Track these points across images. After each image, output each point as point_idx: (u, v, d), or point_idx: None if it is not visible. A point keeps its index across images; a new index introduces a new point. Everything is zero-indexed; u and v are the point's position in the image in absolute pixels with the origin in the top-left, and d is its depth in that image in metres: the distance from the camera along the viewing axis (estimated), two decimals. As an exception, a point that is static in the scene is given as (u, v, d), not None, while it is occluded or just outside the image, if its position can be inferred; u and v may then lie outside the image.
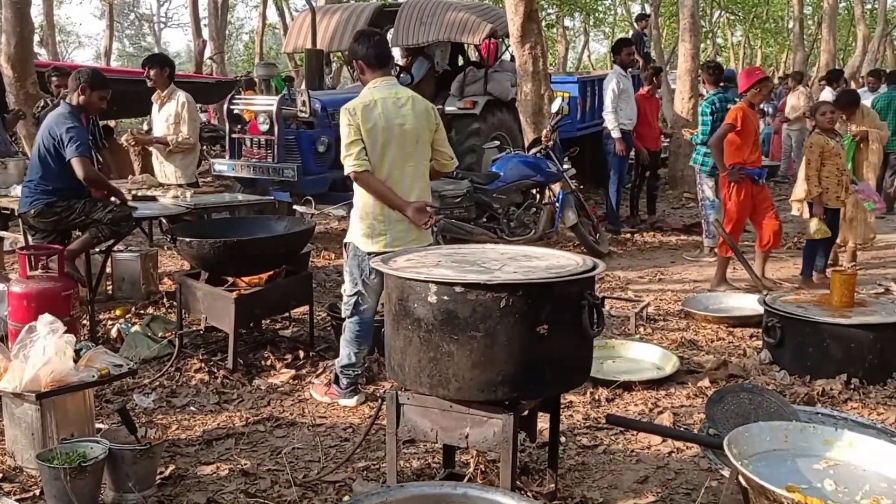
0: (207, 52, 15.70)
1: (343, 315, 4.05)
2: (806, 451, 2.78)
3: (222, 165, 7.37)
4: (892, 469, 2.62)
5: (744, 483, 2.60)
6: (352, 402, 4.03)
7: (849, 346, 4.29)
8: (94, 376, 3.27)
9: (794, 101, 13.07)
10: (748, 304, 5.62)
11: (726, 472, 2.78)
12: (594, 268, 2.67)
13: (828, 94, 11.69)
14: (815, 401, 4.03)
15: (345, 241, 4.05)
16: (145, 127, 14.18)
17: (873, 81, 10.71)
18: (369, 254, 3.84)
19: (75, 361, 3.28)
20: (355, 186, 3.90)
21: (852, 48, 27.41)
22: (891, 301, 4.90)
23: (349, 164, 3.75)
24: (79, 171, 4.45)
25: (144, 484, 3.03)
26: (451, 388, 2.57)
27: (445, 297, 2.51)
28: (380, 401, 3.15)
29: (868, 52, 24.38)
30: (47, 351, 3.17)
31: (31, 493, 3.09)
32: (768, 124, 16.04)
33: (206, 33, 16.28)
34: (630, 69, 8.87)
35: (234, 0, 28.58)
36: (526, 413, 2.81)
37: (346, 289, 4.00)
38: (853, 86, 14.80)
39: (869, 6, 28.84)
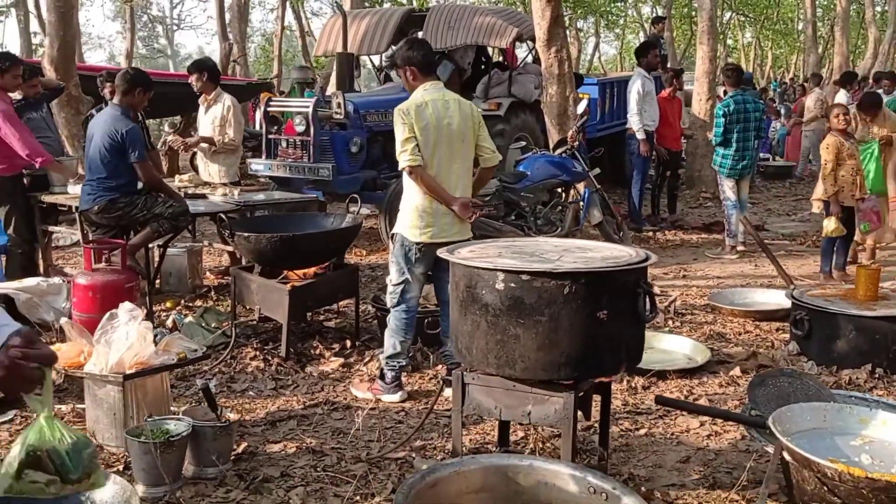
0: (231, 55, 16.00)
1: (389, 305, 4.24)
2: (843, 430, 3.00)
3: (259, 165, 7.60)
4: (924, 444, 2.83)
5: (787, 457, 2.82)
6: (395, 398, 4.15)
7: (874, 337, 4.49)
8: (173, 359, 3.51)
9: (809, 103, 13.23)
10: (773, 298, 5.83)
11: (770, 449, 2.99)
12: (647, 259, 2.89)
13: (842, 97, 11.86)
14: (843, 389, 4.23)
15: (392, 231, 4.27)
16: (167, 129, 14.49)
17: (889, 84, 10.87)
18: (416, 244, 4.06)
19: (154, 346, 3.52)
20: (405, 181, 4.13)
21: (862, 51, 27.51)
22: (913, 295, 5.10)
23: (404, 159, 3.98)
24: (142, 174, 4.71)
25: (223, 459, 3.26)
26: (517, 369, 2.79)
27: (513, 285, 2.73)
28: (441, 383, 3.37)
29: (879, 54, 24.50)
30: (130, 336, 3.41)
31: (114, 469, 3.31)
32: (783, 125, 16.23)
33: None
34: (653, 71, 9.09)
35: (252, 3, 28.83)
36: (582, 393, 3.02)
37: (392, 278, 4.20)
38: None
39: (879, 8, 28.93)
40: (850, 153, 6.49)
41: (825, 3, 32.65)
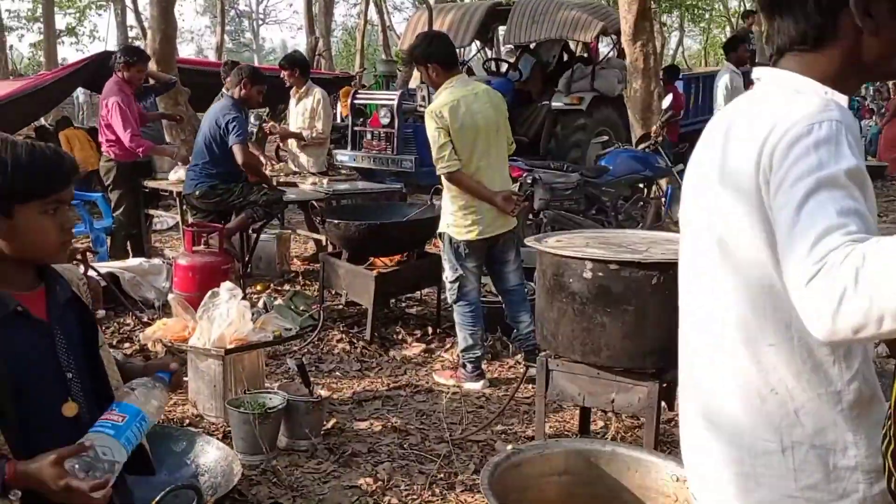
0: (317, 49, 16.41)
1: (450, 301, 4.31)
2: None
3: (344, 156, 7.84)
4: None
5: None
6: (478, 385, 4.23)
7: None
8: (269, 337, 3.71)
9: None
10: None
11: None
12: (736, 252, 2.90)
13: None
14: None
15: (438, 231, 4.32)
16: (253, 120, 14.96)
17: None
18: (464, 241, 4.13)
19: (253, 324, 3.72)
20: (445, 183, 4.16)
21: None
22: None
23: (442, 166, 4.01)
24: (239, 156, 4.94)
25: (314, 432, 3.43)
26: (602, 356, 2.86)
27: (600, 274, 2.80)
28: (525, 369, 3.45)
29: None
30: (230, 313, 3.62)
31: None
32: (875, 124, 15.62)
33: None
34: (742, 66, 8.90)
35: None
36: (667, 383, 3.06)
37: (448, 276, 4.25)
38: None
39: None
40: None
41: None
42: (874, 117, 16.27)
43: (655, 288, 2.73)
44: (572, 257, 2.87)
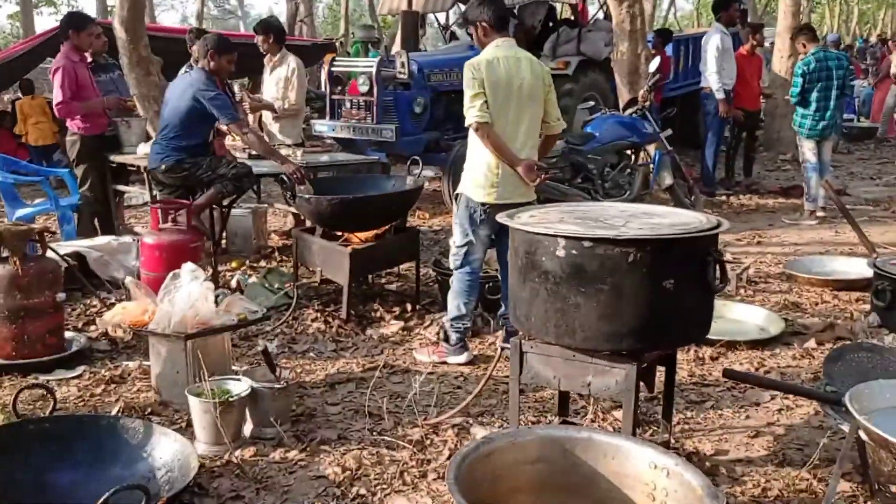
0: (298, 15, 16.01)
1: (452, 266, 4.18)
2: (928, 410, 2.81)
3: (323, 126, 7.60)
4: None
5: (864, 437, 2.66)
6: (461, 358, 4.13)
7: (964, 310, 4.22)
8: (234, 320, 3.55)
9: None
10: (854, 267, 5.54)
11: (845, 428, 2.83)
12: (718, 225, 2.73)
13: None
14: (928, 365, 3.99)
15: (456, 191, 4.17)
16: (237, 90, 14.63)
17: None
18: (482, 205, 3.97)
19: (216, 306, 3.55)
20: (471, 139, 4.01)
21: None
22: None
23: (472, 115, 3.86)
24: (239, 134, 4.79)
25: (281, 420, 3.28)
26: (577, 338, 2.70)
27: (574, 252, 2.63)
28: (499, 350, 3.30)
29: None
30: (192, 296, 3.45)
31: (177, 426, 3.37)
32: (869, 84, 15.38)
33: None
34: (732, 27, 8.66)
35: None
36: (645, 365, 2.91)
37: (457, 240, 4.12)
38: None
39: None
40: None
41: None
42: (868, 77, 16.01)
43: (632, 266, 2.57)
44: (544, 234, 2.70)
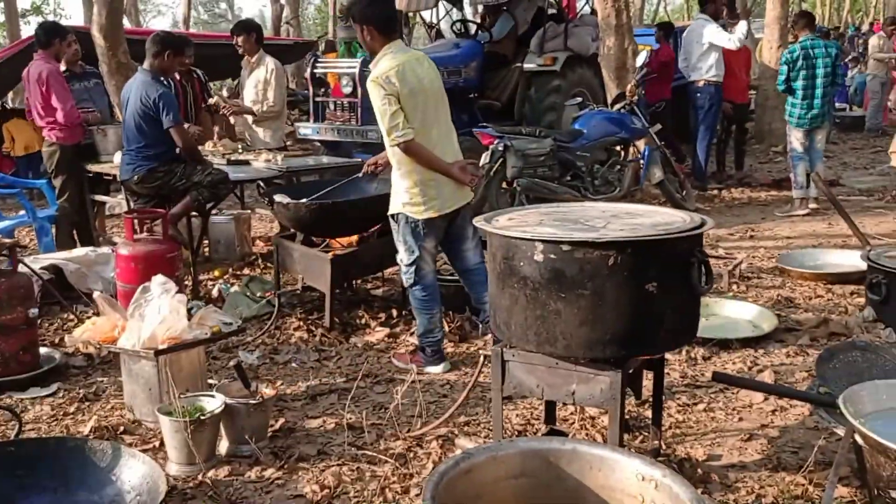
0: (283, 16, 15.87)
1: (405, 284, 4.05)
2: (925, 411, 2.70)
3: (307, 129, 7.49)
4: None
5: (860, 441, 2.55)
6: (438, 368, 4.02)
7: (960, 302, 4.12)
8: (207, 334, 3.43)
9: (875, 42, 12.50)
10: (848, 260, 5.44)
11: (840, 431, 2.73)
12: (702, 224, 2.63)
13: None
14: (925, 360, 3.89)
15: (390, 212, 4.00)
16: (225, 93, 14.50)
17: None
18: (424, 220, 3.84)
19: (188, 320, 3.43)
20: (396, 158, 3.83)
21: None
22: None
23: (397, 136, 3.68)
24: (178, 139, 4.62)
25: (258, 436, 3.17)
26: (558, 346, 2.59)
27: (552, 256, 2.52)
28: (482, 358, 3.20)
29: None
30: (162, 310, 3.33)
31: (151, 445, 3.26)
32: (861, 72, 15.28)
33: (281, -2, 16.47)
34: (718, 19, 8.56)
35: (305, -37, 28.62)
36: (632, 371, 2.80)
37: (403, 259, 3.97)
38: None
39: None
40: None
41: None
42: (858, 66, 15.92)
43: (612, 269, 2.46)
44: (521, 238, 2.58)
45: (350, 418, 3.48)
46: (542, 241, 2.52)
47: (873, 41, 13.10)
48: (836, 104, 11.95)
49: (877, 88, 12.54)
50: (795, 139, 7.43)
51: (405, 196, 3.87)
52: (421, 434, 3.30)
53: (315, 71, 7.57)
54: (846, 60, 14.14)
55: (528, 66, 8.59)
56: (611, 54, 7.85)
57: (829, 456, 2.92)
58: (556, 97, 8.52)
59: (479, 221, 2.85)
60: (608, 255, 2.45)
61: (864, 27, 25.13)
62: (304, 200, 4.51)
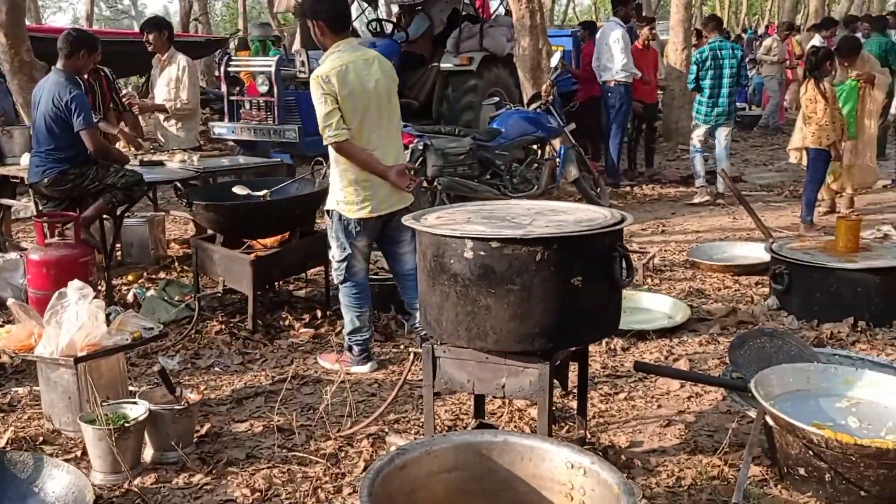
0: (192, 13, 15.45)
1: (336, 281, 4.04)
2: (828, 391, 2.90)
3: (222, 128, 7.34)
4: (914, 405, 2.73)
5: (770, 422, 2.71)
6: (365, 368, 4.02)
7: (855, 289, 4.40)
8: (127, 339, 3.33)
9: (768, 43, 13.25)
10: (752, 252, 5.73)
11: (752, 414, 2.89)
12: (623, 220, 2.73)
13: (816, 42, 11.70)
14: (825, 343, 4.13)
15: (325, 208, 4.00)
16: (131, 90, 14.01)
17: (867, 28, 10.70)
18: (356, 219, 3.85)
19: (107, 326, 3.33)
20: (333, 156, 3.84)
21: (838, -5, 27.24)
22: (894, 245, 5.02)
23: (330, 135, 3.69)
24: (88, 143, 4.46)
25: (184, 442, 3.10)
26: (488, 341, 2.65)
27: (482, 253, 2.57)
28: (411, 355, 3.22)
29: (855, -2, 24.27)
30: (80, 316, 3.22)
31: (72, 455, 3.15)
32: (758, 73, 16.01)
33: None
34: (628, 23, 8.86)
35: (213, -42, 27.92)
36: (558, 363, 2.89)
37: (335, 255, 3.96)
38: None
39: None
40: (834, 96, 6.43)
41: (800, -53, 32.19)
42: (756, 67, 16.68)
43: (540, 265, 2.53)
44: (451, 236, 2.63)
45: (279, 420, 3.45)
46: (472, 239, 2.57)
47: (767, 43, 13.80)
48: (738, 104, 12.53)
49: (775, 88, 13.24)
50: (695, 136, 7.99)
51: (340, 194, 3.86)
52: (351, 433, 3.31)
53: (229, 69, 7.42)
54: (746, 61, 14.83)
55: (444, 65, 8.67)
56: (526, 55, 8.00)
57: (741, 438, 3.08)
58: (473, 96, 8.63)
59: (407, 220, 2.89)
60: (535, 251, 2.52)
61: (760, 30, 26.38)
62: (264, 192, 4.46)
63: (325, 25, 3.75)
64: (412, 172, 3.95)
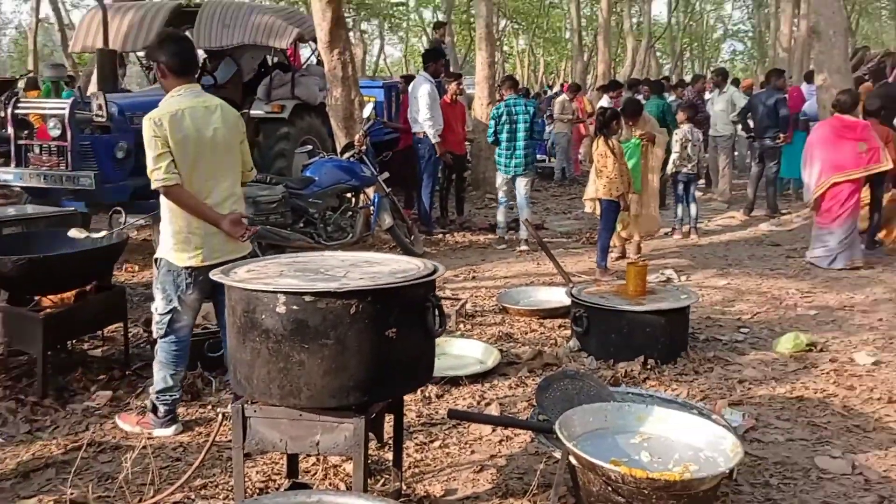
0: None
1: (155, 335, 3.82)
2: (623, 428, 3.12)
3: (7, 174, 6.74)
4: (696, 438, 3.00)
5: (573, 461, 2.87)
6: (169, 431, 3.80)
7: (644, 330, 4.78)
8: None
9: (560, 100, 14.40)
10: (555, 296, 6.07)
11: (557, 454, 3.04)
12: (436, 271, 2.81)
13: (605, 102, 12.80)
14: (620, 382, 4.44)
15: (155, 256, 3.83)
16: None
17: (647, 91, 11.85)
18: (186, 269, 3.70)
19: None
20: (164, 200, 3.70)
21: (622, 58, 30.08)
22: (675, 288, 5.53)
23: (158, 179, 3.56)
24: None
25: (-43, 528, 2.76)
26: (302, 397, 2.60)
27: (295, 307, 2.54)
28: (220, 416, 3.08)
29: (636, 62, 26.92)
30: None
31: None
32: (551, 127, 17.18)
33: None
34: (437, 78, 9.22)
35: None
36: (374, 415, 2.89)
37: (159, 307, 3.77)
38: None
39: (635, 20, 31.82)
40: (622, 152, 7.06)
41: (589, 13, 35.29)
42: (553, 123, 17.90)
43: (354, 317, 2.53)
44: (263, 290, 2.57)
45: (72, 493, 3.16)
46: (285, 293, 2.53)
47: (559, 101, 14.92)
48: (539, 156, 13.39)
49: (564, 145, 14.40)
50: (499, 183, 8.66)
51: (170, 241, 3.68)
52: (154, 503, 3.10)
53: (17, 111, 6.85)
54: (544, 117, 15.89)
55: (255, 112, 8.56)
56: (338, 104, 8.08)
57: (549, 478, 3.22)
58: (285, 144, 8.57)
59: (216, 274, 2.79)
60: (350, 304, 2.53)
61: (556, 88, 28.43)
62: (104, 233, 4.18)
63: (166, 68, 3.67)
64: (248, 222, 3.82)
